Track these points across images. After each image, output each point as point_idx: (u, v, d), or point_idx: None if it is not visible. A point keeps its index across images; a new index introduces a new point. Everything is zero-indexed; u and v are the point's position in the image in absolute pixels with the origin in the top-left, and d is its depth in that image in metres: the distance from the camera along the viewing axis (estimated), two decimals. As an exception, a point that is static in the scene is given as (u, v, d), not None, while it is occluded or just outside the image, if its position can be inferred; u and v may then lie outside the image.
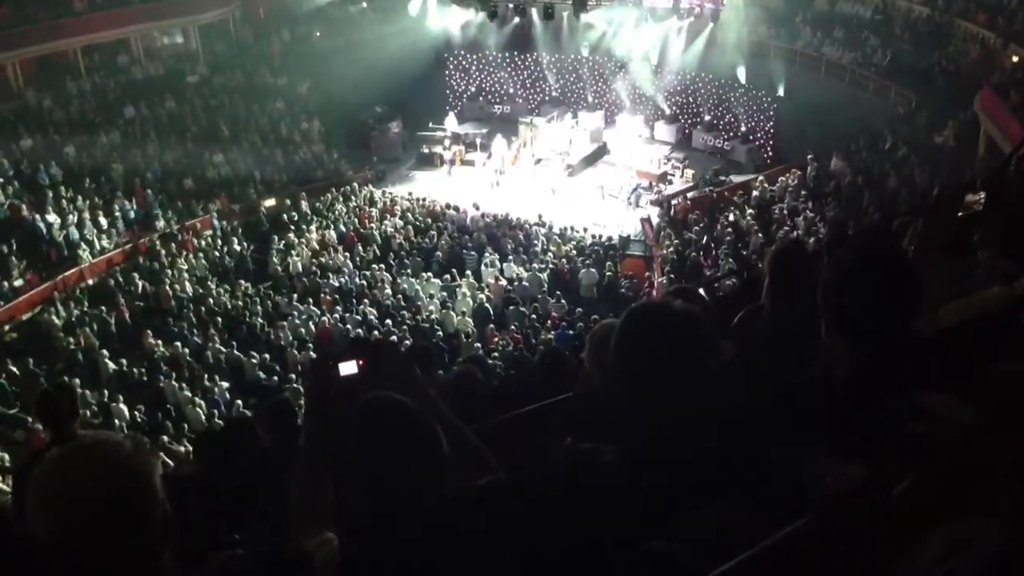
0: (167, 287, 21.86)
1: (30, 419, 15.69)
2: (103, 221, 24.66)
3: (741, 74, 29.22)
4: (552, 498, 2.11)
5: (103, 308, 21.06)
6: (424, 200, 27.47)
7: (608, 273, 21.61)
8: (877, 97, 25.58)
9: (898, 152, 23.19)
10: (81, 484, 1.71)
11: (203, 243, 24.96)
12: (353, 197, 27.99)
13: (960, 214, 4.28)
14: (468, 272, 22.38)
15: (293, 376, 17.58)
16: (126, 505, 1.73)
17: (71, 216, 24.23)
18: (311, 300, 21.19)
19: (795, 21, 29.81)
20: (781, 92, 28.14)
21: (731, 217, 23.20)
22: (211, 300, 21.44)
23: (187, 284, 22.28)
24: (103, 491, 1.70)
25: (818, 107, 26.05)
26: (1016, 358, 2.15)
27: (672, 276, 20.12)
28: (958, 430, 1.89)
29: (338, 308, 20.80)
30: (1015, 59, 22.67)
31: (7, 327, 21.04)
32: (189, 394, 16.99)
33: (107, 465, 1.75)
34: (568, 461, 2.20)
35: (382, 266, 22.83)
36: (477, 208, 26.38)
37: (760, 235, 21.37)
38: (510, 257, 22.95)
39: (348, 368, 2.44)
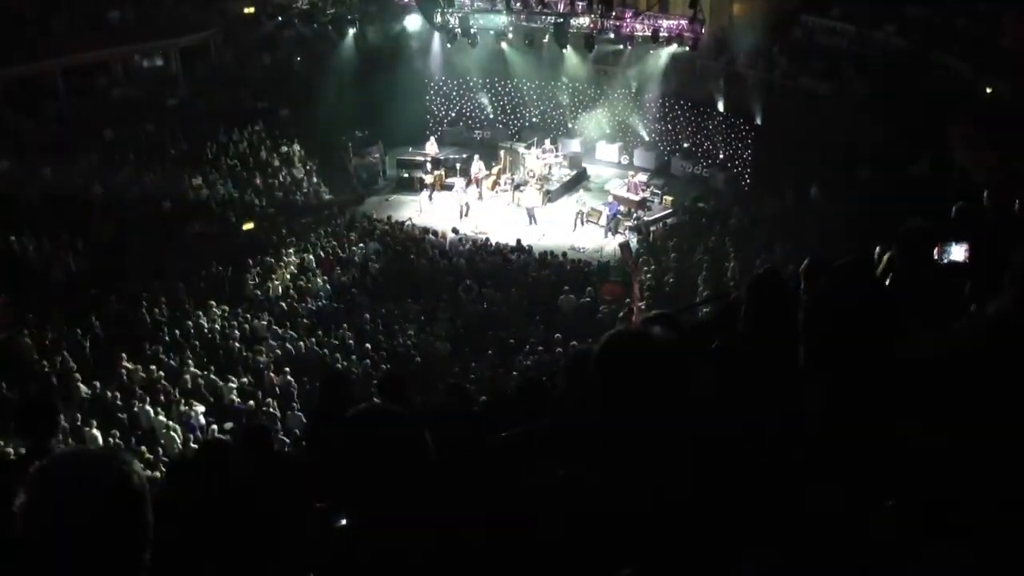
0: (143, 310, 21.67)
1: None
2: (79, 244, 24.45)
3: (719, 103, 29.46)
4: (532, 523, 2.10)
5: (78, 331, 20.83)
6: (403, 224, 27.49)
7: (587, 299, 21.63)
8: (853, 127, 25.79)
9: (874, 181, 23.41)
10: (76, 493, 1.68)
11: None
12: (332, 221, 27.96)
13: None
14: (446, 296, 22.34)
15: (270, 400, 17.44)
16: (121, 513, 1.71)
17: (47, 238, 23.99)
18: (288, 324, 21.07)
19: (772, 51, 30.07)
20: (759, 121, 28.37)
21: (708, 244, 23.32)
22: (188, 323, 21.27)
23: (163, 307, 22.09)
24: (99, 499, 1.69)
25: (795, 136, 26.27)
26: (982, 393, 2.16)
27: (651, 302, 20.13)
28: (934, 455, 1.90)
29: (317, 332, 20.67)
30: (989, 91, 22.95)
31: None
32: (164, 418, 16.79)
33: (100, 473, 1.73)
34: (548, 486, 2.19)
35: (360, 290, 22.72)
36: (456, 232, 26.39)
37: (738, 262, 21.47)
38: (488, 282, 22.93)
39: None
